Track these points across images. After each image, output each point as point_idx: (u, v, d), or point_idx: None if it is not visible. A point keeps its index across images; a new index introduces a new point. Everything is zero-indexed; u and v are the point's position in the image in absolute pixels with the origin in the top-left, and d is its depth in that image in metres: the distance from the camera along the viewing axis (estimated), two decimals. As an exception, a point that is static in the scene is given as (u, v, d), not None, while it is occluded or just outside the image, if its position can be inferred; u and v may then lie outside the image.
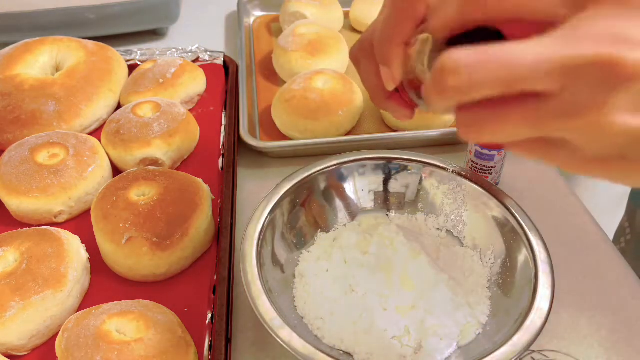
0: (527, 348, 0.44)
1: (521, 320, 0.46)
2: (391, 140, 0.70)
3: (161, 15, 0.93)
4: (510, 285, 0.52)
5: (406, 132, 0.71)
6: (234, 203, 0.61)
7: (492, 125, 0.27)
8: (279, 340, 0.44)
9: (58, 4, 0.86)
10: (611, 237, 0.64)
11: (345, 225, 0.60)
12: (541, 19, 0.27)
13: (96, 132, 0.72)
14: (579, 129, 0.25)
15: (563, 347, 0.51)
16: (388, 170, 0.61)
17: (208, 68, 0.81)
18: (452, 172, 0.59)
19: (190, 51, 0.84)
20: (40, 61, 0.75)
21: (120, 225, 0.53)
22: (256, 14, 1.02)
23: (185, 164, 0.67)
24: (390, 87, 0.39)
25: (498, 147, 0.61)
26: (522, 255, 0.52)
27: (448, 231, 0.59)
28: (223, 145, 0.70)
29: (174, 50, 0.84)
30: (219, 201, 0.61)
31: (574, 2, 0.26)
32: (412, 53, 0.36)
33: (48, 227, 0.56)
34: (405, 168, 0.61)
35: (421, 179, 0.60)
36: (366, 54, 0.41)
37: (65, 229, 0.56)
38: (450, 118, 0.73)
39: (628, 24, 0.24)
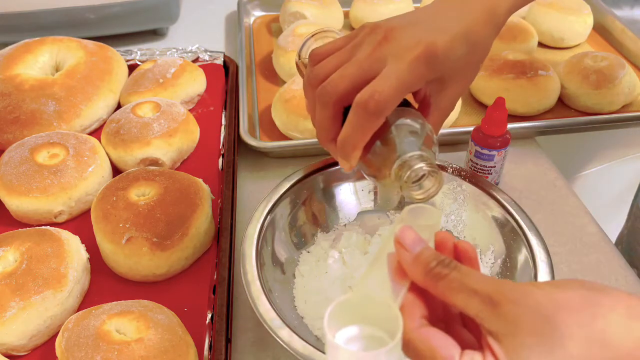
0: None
1: (521, 320, 0.46)
2: (391, 140, 0.70)
3: (161, 15, 0.93)
4: (510, 285, 0.52)
5: (406, 132, 0.70)
6: (234, 203, 0.61)
7: None
8: (279, 340, 0.44)
9: (58, 4, 0.86)
10: (611, 237, 0.64)
11: (345, 225, 0.60)
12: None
13: (96, 132, 0.72)
14: None
15: (563, 347, 0.51)
16: (388, 170, 0.61)
17: (208, 68, 0.81)
18: (452, 172, 0.59)
19: (190, 51, 0.84)
20: (40, 61, 0.75)
21: (120, 225, 0.53)
22: (256, 14, 1.02)
23: (185, 164, 0.67)
24: (347, 171, 0.43)
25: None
26: (522, 255, 0.52)
27: (448, 231, 0.59)
28: (223, 145, 0.70)
29: (174, 50, 0.84)
30: (219, 201, 0.61)
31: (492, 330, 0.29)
32: None
33: (48, 227, 0.56)
34: (405, 168, 0.61)
35: (421, 179, 0.60)
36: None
37: (65, 229, 0.56)
38: (450, 119, 0.73)
39: None
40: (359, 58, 0.41)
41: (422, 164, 0.38)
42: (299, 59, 0.50)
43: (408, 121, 0.40)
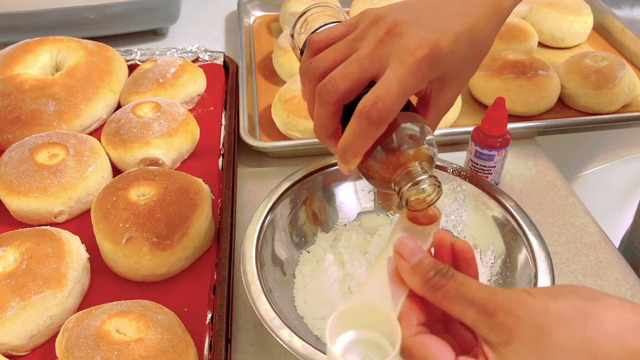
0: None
1: (521, 320, 0.46)
2: (391, 140, 0.70)
3: (161, 15, 0.93)
4: (510, 285, 0.52)
5: (406, 132, 0.70)
6: (234, 203, 0.61)
7: None
8: (279, 340, 0.44)
9: (58, 4, 0.86)
10: (611, 237, 0.64)
11: (345, 225, 0.60)
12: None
13: (96, 132, 0.72)
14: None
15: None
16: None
17: (208, 68, 0.81)
18: (452, 172, 0.59)
19: (190, 51, 0.84)
20: (40, 61, 0.75)
21: (120, 225, 0.53)
22: (256, 14, 1.02)
23: (185, 164, 0.67)
24: (346, 173, 0.43)
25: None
26: (522, 255, 0.52)
27: (448, 231, 0.59)
28: (223, 145, 0.70)
29: (174, 50, 0.84)
30: (219, 201, 0.61)
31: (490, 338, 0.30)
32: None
33: (48, 227, 0.56)
34: (405, 168, 0.60)
35: (421, 179, 0.60)
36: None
37: (65, 229, 0.56)
38: (450, 119, 0.73)
39: None
40: (360, 55, 0.40)
41: (423, 176, 0.38)
42: (292, 37, 0.49)
43: (409, 126, 0.40)
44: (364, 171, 0.42)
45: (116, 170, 0.65)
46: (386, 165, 0.39)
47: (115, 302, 0.48)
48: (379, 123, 0.38)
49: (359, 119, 0.38)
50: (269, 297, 0.47)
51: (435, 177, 0.38)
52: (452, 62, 0.41)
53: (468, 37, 0.41)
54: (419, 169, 0.38)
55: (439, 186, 0.38)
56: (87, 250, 0.55)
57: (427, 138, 0.40)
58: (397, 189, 0.39)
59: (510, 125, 0.64)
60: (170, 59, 0.77)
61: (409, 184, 0.38)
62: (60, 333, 0.46)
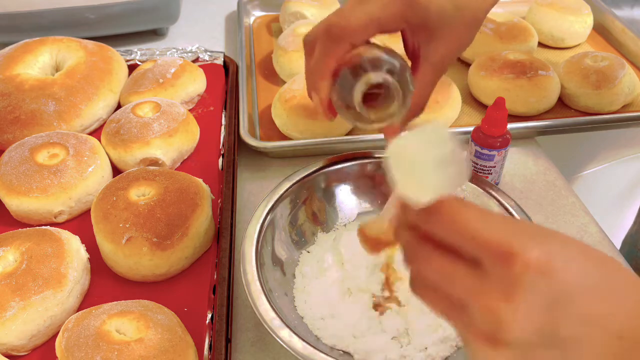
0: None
1: (521, 320, 0.46)
2: (391, 140, 0.70)
3: (161, 15, 0.93)
4: (510, 285, 0.52)
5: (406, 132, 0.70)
6: (234, 203, 0.61)
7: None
8: (279, 340, 0.44)
9: (58, 4, 0.86)
10: (611, 237, 0.64)
11: (345, 225, 0.60)
12: None
13: (96, 132, 0.72)
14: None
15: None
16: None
17: (208, 68, 0.81)
18: (452, 172, 0.58)
19: (190, 51, 0.84)
20: (40, 61, 0.75)
21: (120, 225, 0.53)
22: (256, 14, 1.02)
23: (185, 164, 0.67)
24: (319, 107, 0.44)
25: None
26: (522, 255, 0.52)
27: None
28: (223, 145, 0.70)
29: (174, 50, 0.84)
30: (219, 201, 0.61)
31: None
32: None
33: (48, 227, 0.56)
34: (405, 168, 0.60)
35: (421, 179, 0.60)
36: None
37: (65, 229, 0.56)
38: (450, 119, 0.73)
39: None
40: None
41: (380, 72, 0.38)
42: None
43: (376, 51, 0.40)
44: (337, 103, 0.42)
45: (116, 170, 0.65)
46: (349, 85, 0.39)
47: (115, 302, 0.48)
48: (337, 39, 0.40)
49: (321, 38, 0.40)
50: (269, 297, 0.47)
51: (397, 71, 0.39)
52: (433, 12, 0.42)
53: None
54: (379, 71, 0.38)
55: (402, 93, 0.38)
56: (87, 250, 0.55)
57: (403, 74, 0.40)
58: (357, 103, 0.39)
59: (510, 125, 0.64)
60: (170, 59, 0.77)
61: (364, 79, 0.38)
62: (60, 333, 0.46)
